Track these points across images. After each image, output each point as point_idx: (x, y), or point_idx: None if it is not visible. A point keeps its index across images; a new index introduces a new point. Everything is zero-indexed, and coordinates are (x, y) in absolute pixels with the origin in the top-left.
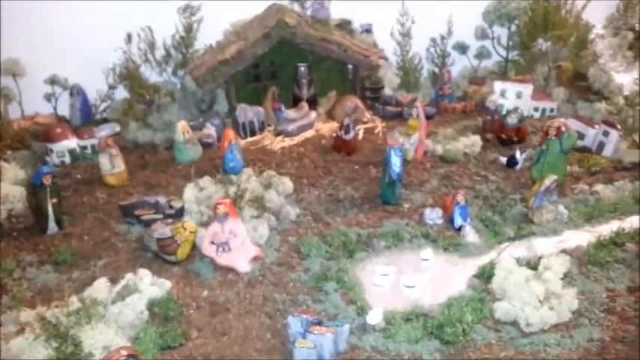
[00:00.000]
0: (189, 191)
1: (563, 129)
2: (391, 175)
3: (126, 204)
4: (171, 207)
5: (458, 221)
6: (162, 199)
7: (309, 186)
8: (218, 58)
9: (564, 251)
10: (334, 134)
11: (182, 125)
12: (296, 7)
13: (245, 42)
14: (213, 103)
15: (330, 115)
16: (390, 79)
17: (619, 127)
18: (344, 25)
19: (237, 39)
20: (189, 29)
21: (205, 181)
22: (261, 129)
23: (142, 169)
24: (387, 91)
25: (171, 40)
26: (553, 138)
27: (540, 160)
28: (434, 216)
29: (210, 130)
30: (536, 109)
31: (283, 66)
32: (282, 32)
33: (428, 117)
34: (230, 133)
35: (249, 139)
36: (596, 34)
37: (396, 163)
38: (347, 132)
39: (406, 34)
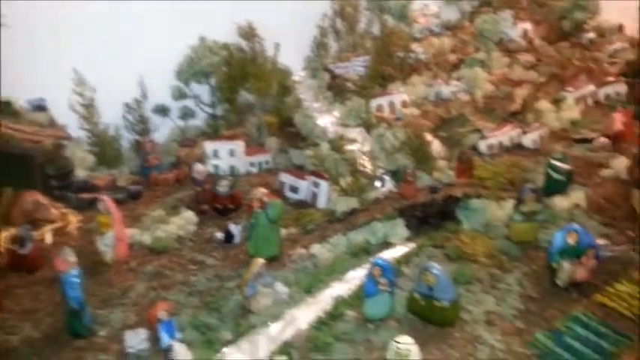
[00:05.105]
0: None
1: (265, 199)
2: (71, 305)
3: None
4: None
5: (165, 340)
6: None
7: None
8: None
9: (286, 344)
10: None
11: None
12: None
13: None
14: None
15: (7, 221)
16: (81, 159)
17: (326, 175)
18: (3, 108)
19: None
20: None
21: None
22: None
23: None
24: (80, 173)
25: None
26: (259, 211)
27: (253, 235)
28: (136, 341)
29: None
30: (252, 164)
31: None
32: None
33: (134, 196)
34: None
35: None
36: (297, 77)
37: (72, 290)
38: (22, 245)
39: (89, 105)
